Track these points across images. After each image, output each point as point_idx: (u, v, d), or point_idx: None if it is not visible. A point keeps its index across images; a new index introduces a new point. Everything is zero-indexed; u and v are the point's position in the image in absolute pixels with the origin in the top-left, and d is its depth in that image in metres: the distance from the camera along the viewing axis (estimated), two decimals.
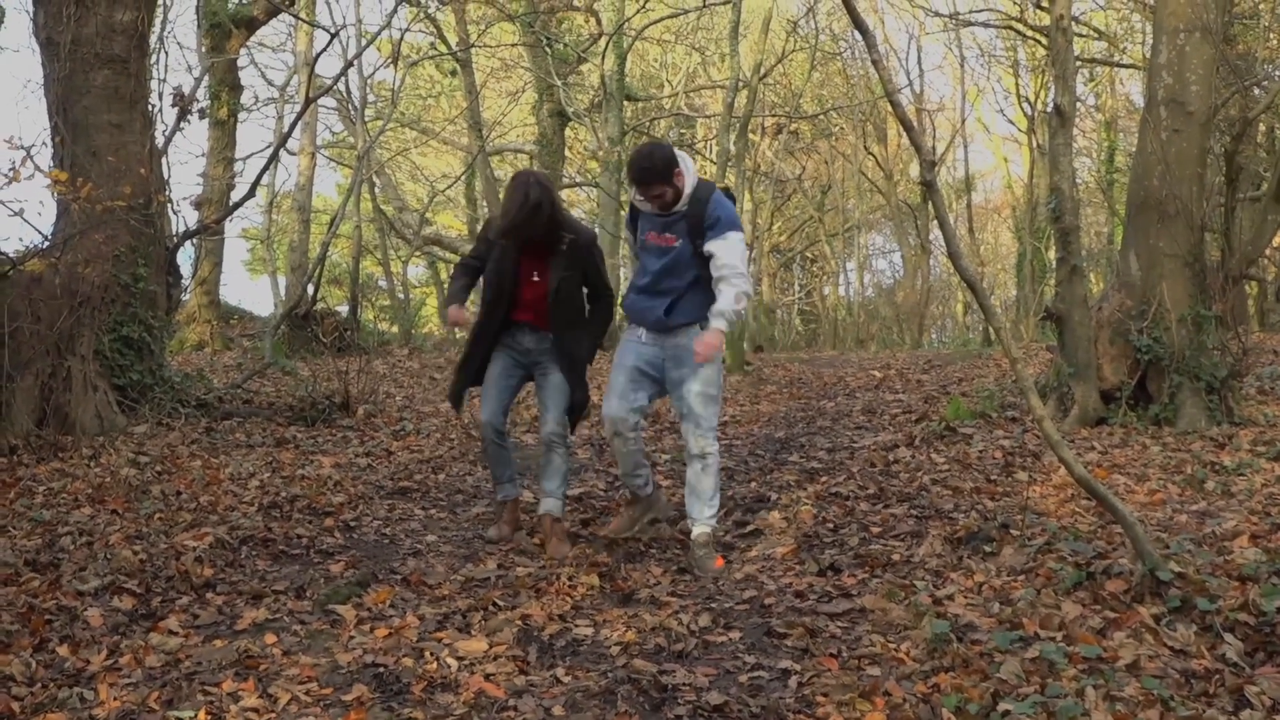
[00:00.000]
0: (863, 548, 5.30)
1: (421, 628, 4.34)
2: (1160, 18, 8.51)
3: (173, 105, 9.90)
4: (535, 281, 5.48)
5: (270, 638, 4.23)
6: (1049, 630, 3.90)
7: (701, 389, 5.27)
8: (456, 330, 5.47)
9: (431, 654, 4.02)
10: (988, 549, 5.02)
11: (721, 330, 5.08)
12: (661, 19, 20.94)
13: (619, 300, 6.60)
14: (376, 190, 24.71)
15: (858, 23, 4.37)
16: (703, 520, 5.33)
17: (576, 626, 4.40)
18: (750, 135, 18.99)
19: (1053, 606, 4.09)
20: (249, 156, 25.30)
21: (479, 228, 6.28)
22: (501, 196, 5.54)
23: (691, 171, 5.25)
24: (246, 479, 7.02)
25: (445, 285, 6.54)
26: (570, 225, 5.55)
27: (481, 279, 5.71)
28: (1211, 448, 7.16)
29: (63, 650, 4.08)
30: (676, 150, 5.28)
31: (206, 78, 15.72)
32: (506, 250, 5.50)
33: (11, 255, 7.68)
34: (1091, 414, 8.15)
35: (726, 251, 5.11)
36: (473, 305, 6.36)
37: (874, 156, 29.76)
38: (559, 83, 18.78)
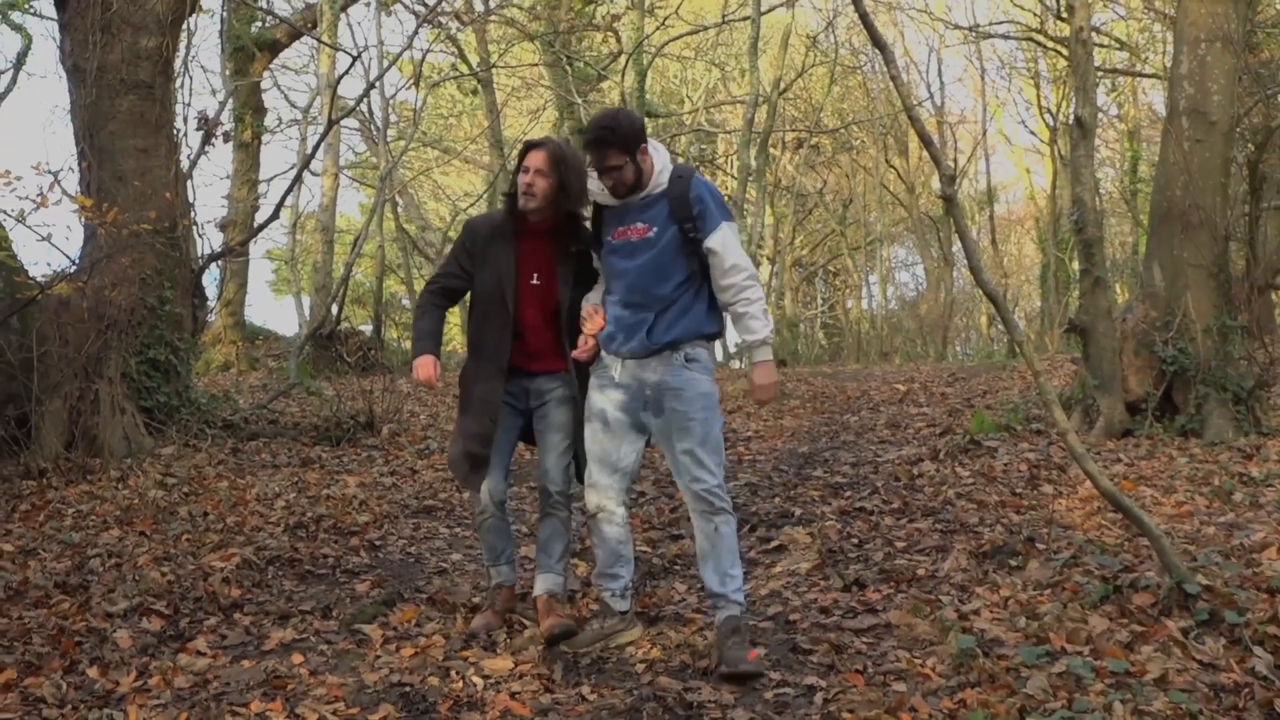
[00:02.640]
0: (887, 563, 5.28)
1: (447, 646, 4.35)
2: (1181, 28, 8.49)
3: (198, 129, 10.03)
4: (539, 299, 4.47)
5: (297, 658, 4.25)
6: (1076, 644, 3.88)
7: (701, 431, 4.17)
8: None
9: (457, 673, 4.03)
10: (1013, 563, 5.00)
11: (772, 361, 4.27)
12: (681, 35, 20.99)
13: None
14: (399, 210, 24.83)
15: (876, 39, 4.39)
16: (728, 598, 4.17)
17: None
18: (771, 150, 19.02)
19: (1079, 620, 4.07)
20: (273, 178, 25.43)
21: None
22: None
23: (663, 155, 4.31)
24: (273, 499, 7.06)
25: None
26: (585, 233, 4.58)
27: (471, 308, 4.60)
28: (1239, 459, 7.10)
29: (92, 672, 4.11)
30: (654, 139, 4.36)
31: (230, 101, 15.87)
32: (501, 245, 4.48)
33: (40, 279, 7.77)
34: (1117, 426, 8.10)
35: (732, 250, 4.17)
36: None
37: (895, 169, 29.72)
38: (580, 100, 18.85)
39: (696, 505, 4.20)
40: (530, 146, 4.41)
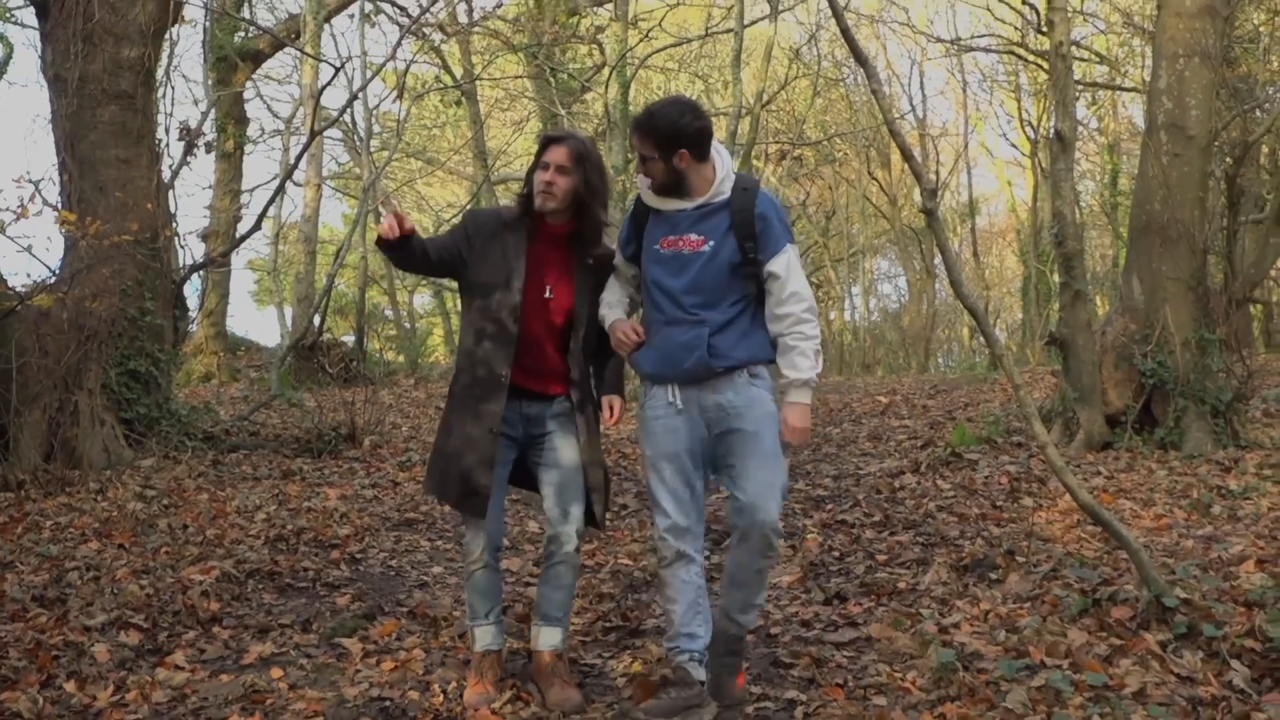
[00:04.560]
0: (869, 576, 5.29)
1: (428, 660, 4.34)
2: (1159, 43, 8.56)
3: (180, 139, 10.00)
4: (549, 313, 3.96)
5: (276, 672, 4.23)
6: (1055, 658, 3.89)
7: (768, 453, 3.73)
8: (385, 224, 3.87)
9: (438, 687, 4.02)
10: (993, 576, 5.02)
11: (808, 404, 3.77)
12: (664, 48, 21.04)
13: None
14: (382, 220, 24.80)
15: (858, 55, 4.41)
16: (738, 621, 3.87)
17: (583, 657, 4.40)
18: (754, 162, 19.07)
19: (1059, 634, 4.08)
20: (255, 188, 25.39)
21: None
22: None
23: (726, 162, 3.86)
24: (253, 512, 7.03)
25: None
26: (604, 241, 4.13)
27: (464, 311, 4.07)
28: (1217, 471, 7.14)
29: (70, 686, 4.08)
30: (719, 143, 3.87)
31: (213, 111, 15.82)
32: (509, 247, 3.94)
33: (19, 290, 7.73)
34: (1097, 438, 8.14)
35: (795, 276, 3.75)
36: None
37: (878, 181, 29.84)
38: (563, 112, 18.87)
39: (756, 543, 3.73)
40: (551, 140, 3.94)
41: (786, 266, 3.73)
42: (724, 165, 3.83)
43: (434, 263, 3.99)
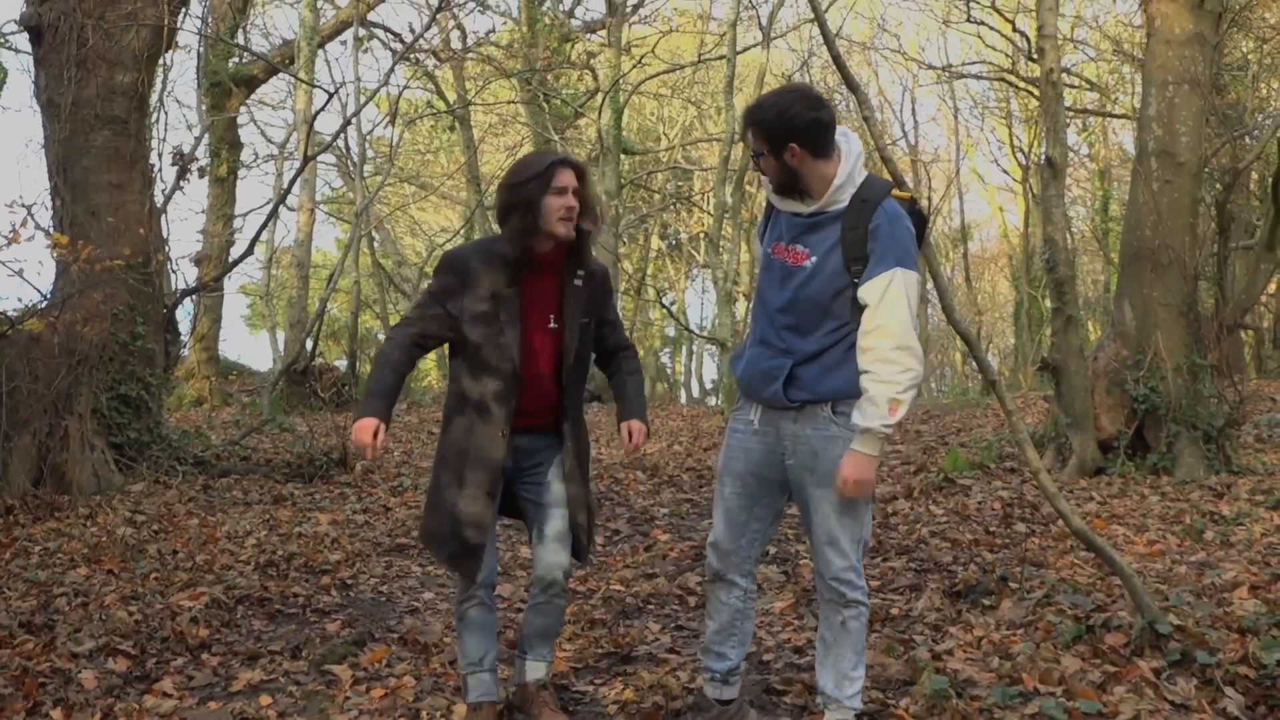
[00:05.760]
0: None
1: (418, 687, 4.31)
2: (1149, 70, 8.62)
3: (173, 164, 10.00)
4: (549, 348, 3.74)
5: (265, 699, 4.20)
6: (1049, 685, 3.87)
7: (830, 504, 3.38)
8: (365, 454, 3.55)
9: (428, 714, 3.99)
10: (987, 602, 5.00)
11: (871, 456, 3.27)
12: (657, 74, 21.16)
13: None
14: (375, 245, 24.84)
15: (849, 82, 4.43)
16: (842, 704, 3.48)
17: (575, 684, 4.37)
18: (747, 187, 19.12)
19: (1052, 661, 4.07)
20: (248, 213, 25.56)
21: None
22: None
23: (855, 157, 3.37)
24: (243, 537, 7.00)
25: (379, 366, 3.81)
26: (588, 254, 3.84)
27: (453, 357, 3.80)
28: (1210, 497, 7.15)
29: (56, 714, 4.05)
30: (844, 128, 3.43)
31: (207, 136, 15.86)
32: (503, 296, 3.67)
33: (10, 315, 7.71)
34: (1089, 464, 8.15)
35: (888, 308, 3.22)
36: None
37: None
38: (556, 137, 18.93)
39: (825, 593, 3.45)
40: (559, 164, 3.65)
41: (882, 294, 3.22)
42: (849, 166, 3.35)
43: (430, 350, 3.85)
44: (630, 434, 3.82)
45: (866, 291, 3.24)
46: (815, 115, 3.29)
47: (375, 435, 3.50)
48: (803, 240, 3.36)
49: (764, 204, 3.61)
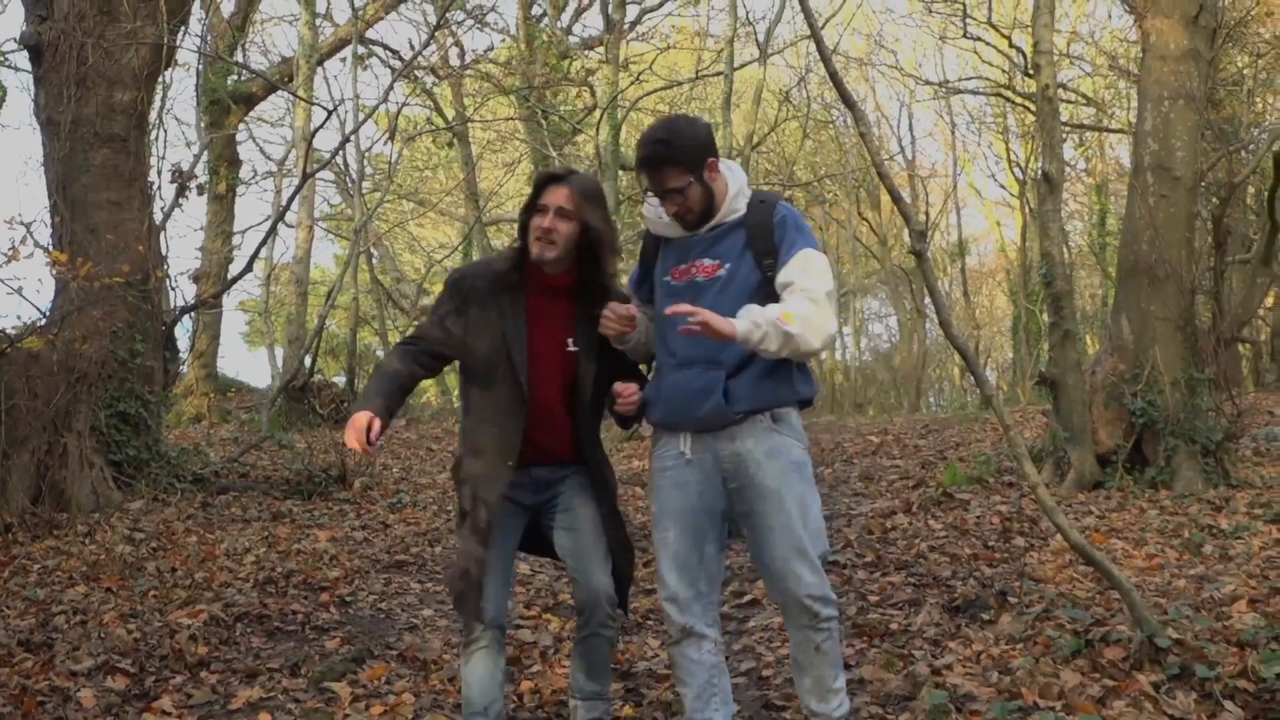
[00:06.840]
0: (860, 617, 5.27)
1: (417, 704, 4.31)
2: (1145, 85, 8.65)
3: (172, 182, 10.02)
4: (559, 375, 3.51)
5: (264, 717, 4.19)
6: (1048, 699, 3.87)
7: (797, 511, 3.24)
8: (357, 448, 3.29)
9: None
10: (986, 617, 5.00)
11: (733, 330, 3.09)
12: (655, 90, 21.21)
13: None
14: (374, 261, 24.88)
15: (846, 99, 4.44)
16: (830, 715, 3.37)
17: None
18: None
19: (1051, 675, 4.06)
20: (247, 230, 25.51)
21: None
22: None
23: (739, 175, 3.43)
24: (242, 554, 6.99)
25: (378, 368, 3.67)
26: (612, 287, 3.58)
27: (464, 385, 3.62)
28: (1208, 510, 7.14)
29: None
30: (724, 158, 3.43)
31: (206, 153, 15.89)
32: (508, 318, 3.48)
33: (9, 332, 7.72)
34: (1088, 478, 8.14)
35: (810, 277, 3.22)
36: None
37: (868, 222, 30.01)
38: (554, 154, 18.97)
39: (797, 616, 3.28)
40: (549, 180, 3.47)
41: (801, 268, 3.21)
42: (736, 179, 3.39)
43: (437, 372, 3.66)
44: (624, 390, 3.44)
45: (785, 273, 3.22)
46: (706, 127, 3.39)
47: (370, 429, 3.27)
48: (709, 254, 3.32)
49: (643, 237, 3.58)
